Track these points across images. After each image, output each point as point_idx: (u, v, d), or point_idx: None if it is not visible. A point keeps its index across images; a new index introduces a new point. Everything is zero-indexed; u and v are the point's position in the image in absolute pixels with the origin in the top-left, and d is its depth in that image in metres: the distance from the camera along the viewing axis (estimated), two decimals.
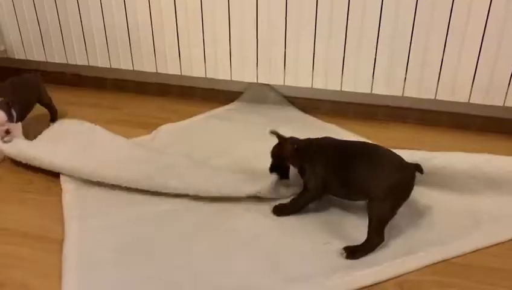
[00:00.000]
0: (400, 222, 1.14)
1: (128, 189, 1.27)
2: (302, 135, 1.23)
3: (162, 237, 1.12)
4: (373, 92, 1.57)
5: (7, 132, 1.38)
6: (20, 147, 1.38)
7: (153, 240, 1.11)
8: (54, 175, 1.35)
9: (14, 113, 1.41)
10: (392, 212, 1.07)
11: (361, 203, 1.14)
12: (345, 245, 1.07)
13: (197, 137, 1.59)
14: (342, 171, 1.10)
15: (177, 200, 1.24)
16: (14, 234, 1.15)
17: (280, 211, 1.19)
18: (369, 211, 1.06)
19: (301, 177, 1.18)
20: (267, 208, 1.20)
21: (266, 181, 1.20)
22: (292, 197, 1.21)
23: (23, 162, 1.37)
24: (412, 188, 1.09)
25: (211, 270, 1.02)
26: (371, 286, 0.99)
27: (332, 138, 1.19)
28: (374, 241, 1.06)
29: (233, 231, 1.14)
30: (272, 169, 1.23)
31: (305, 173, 1.16)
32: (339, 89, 1.59)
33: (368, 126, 1.65)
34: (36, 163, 1.35)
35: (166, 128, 1.64)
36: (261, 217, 1.18)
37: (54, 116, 1.67)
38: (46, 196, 1.29)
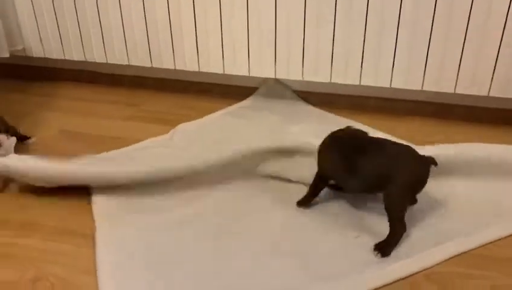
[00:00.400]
0: (423, 213, 1.16)
1: (155, 196, 1.26)
2: (319, 130, 1.24)
3: (191, 239, 1.12)
4: (392, 86, 1.58)
5: None
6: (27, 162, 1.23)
7: (181, 243, 1.11)
8: None
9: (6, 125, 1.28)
10: (409, 202, 1.10)
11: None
12: (372, 238, 1.08)
13: (213, 137, 1.58)
14: (357, 163, 1.11)
15: (203, 204, 1.24)
16: (50, 229, 1.16)
17: (302, 202, 1.21)
18: (386, 203, 1.08)
19: None
20: (292, 206, 1.21)
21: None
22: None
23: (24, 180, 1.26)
24: (427, 180, 1.11)
25: (240, 271, 1.02)
26: (402, 279, 0.99)
27: (351, 129, 1.21)
28: (397, 232, 1.07)
29: (261, 231, 1.14)
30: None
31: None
32: (358, 83, 1.60)
33: (386, 120, 1.65)
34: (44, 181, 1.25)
35: (183, 128, 1.63)
36: (286, 216, 1.19)
37: (22, 136, 1.52)
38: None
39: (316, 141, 1.21)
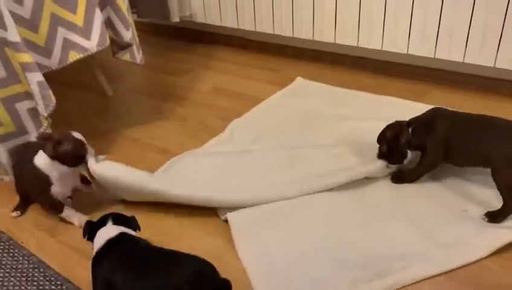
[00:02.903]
0: None
1: None
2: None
3: (308, 217, 1.17)
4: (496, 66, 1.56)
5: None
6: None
7: (299, 222, 1.16)
8: None
9: None
10: None
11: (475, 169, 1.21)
12: (477, 210, 1.15)
13: (273, 127, 1.59)
14: (462, 140, 1.16)
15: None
16: None
17: (399, 179, 1.27)
18: (495, 179, 1.12)
19: (421, 152, 1.24)
20: (389, 182, 1.28)
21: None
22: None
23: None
24: None
25: (369, 242, 1.08)
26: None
27: (442, 108, 1.24)
28: (509, 204, 1.11)
29: (373, 206, 1.20)
30: (382, 156, 1.27)
31: (424, 147, 1.22)
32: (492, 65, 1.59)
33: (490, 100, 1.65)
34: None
35: (237, 123, 1.64)
36: (389, 189, 1.25)
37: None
38: None
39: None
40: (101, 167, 1.17)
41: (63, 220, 1.21)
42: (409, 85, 1.80)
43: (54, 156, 1.11)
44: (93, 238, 0.98)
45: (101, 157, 1.20)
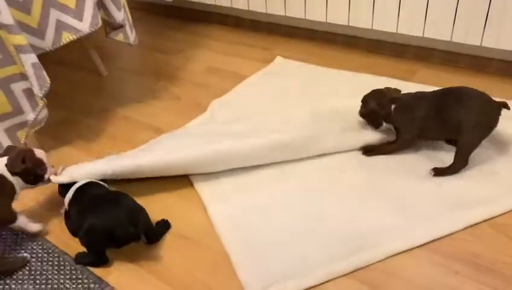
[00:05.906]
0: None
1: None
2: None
3: (285, 193, 1.21)
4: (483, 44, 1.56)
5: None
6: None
7: (277, 197, 1.20)
8: None
9: None
10: (479, 142, 1.20)
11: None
12: (451, 181, 1.20)
13: (253, 106, 1.61)
14: (439, 116, 1.21)
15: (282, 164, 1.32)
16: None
17: (369, 151, 1.32)
18: (459, 142, 1.20)
19: (395, 130, 1.29)
20: (362, 160, 1.31)
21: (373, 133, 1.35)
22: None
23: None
24: (497, 121, 1.19)
25: (346, 220, 1.11)
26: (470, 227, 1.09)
27: (421, 93, 1.29)
28: (459, 165, 1.21)
29: (350, 183, 1.23)
30: (362, 116, 1.34)
31: (400, 128, 1.28)
32: (479, 44, 1.61)
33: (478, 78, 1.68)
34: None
35: (218, 102, 1.67)
36: (366, 166, 1.28)
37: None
38: None
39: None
40: (64, 175, 1.18)
41: (14, 230, 1.16)
42: (399, 64, 1.82)
43: (14, 173, 1.11)
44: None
45: (60, 168, 1.20)
